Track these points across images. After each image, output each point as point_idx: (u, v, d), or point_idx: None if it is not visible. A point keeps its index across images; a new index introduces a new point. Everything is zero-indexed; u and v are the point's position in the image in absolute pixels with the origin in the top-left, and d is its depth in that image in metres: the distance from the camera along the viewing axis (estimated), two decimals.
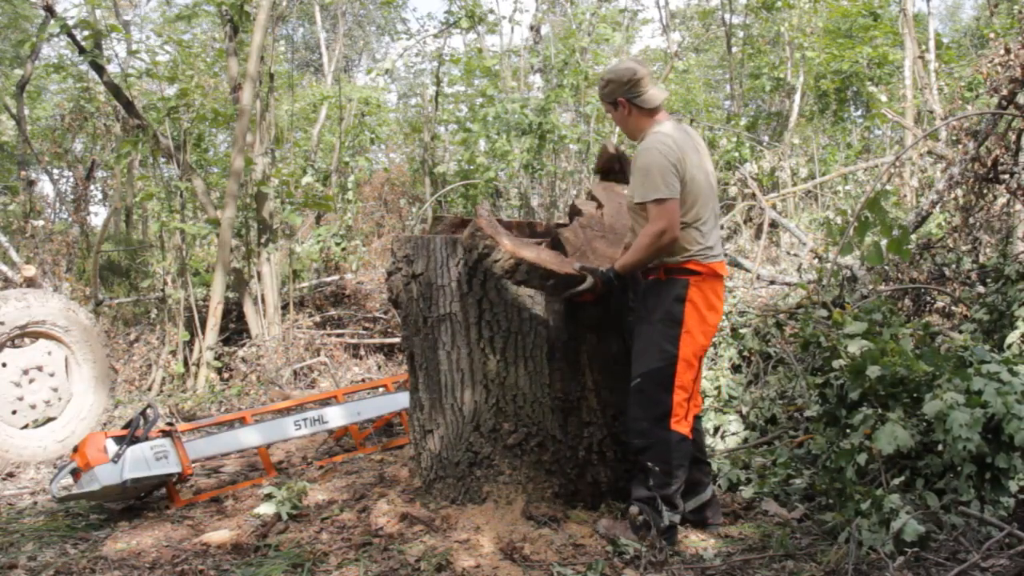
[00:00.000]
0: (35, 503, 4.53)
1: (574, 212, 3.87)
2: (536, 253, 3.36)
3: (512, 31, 20.40)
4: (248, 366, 7.45)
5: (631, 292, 3.58)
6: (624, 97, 3.45)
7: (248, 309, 8.00)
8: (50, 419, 5.65)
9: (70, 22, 7.27)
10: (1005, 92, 5.76)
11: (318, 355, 7.76)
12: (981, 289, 5.55)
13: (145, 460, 4.06)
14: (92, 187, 12.49)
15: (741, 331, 5.35)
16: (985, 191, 6.14)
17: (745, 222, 10.30)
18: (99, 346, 5.93)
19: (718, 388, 5.09)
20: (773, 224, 8.77)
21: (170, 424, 4.54)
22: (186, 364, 7.75)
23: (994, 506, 3.31)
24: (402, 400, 5.05)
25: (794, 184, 11.19)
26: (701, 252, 3.38)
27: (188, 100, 8.18)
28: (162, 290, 8.17)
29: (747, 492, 4.01)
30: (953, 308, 5.80)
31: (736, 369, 5.28)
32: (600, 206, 3.88)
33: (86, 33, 7.44)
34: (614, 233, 3.75)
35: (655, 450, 3.38)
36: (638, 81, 3.43)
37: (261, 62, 8.08)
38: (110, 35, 8.01)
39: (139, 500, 4.32)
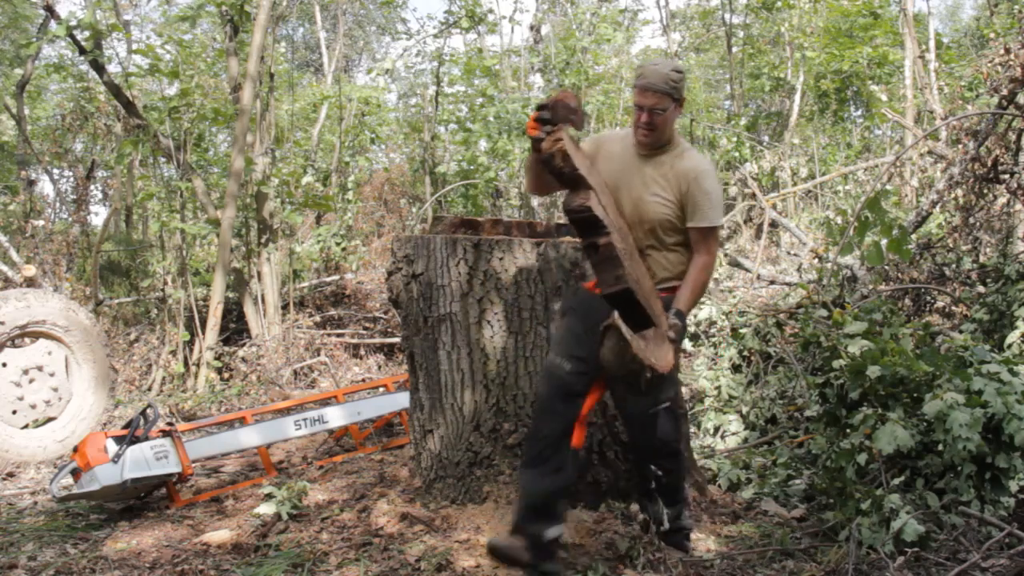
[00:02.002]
0: (35, 503, 4.53)
1: (598, 227, 3.09)
2: (659, 353, 2.90)
3: (512, 31, 20.37)
4: (248, 366, 7.45)
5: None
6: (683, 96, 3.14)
7: (248, 309, 8.00)
8: (50, 419, 5.65)
9: (72, 23, 7.26)
10: (1005, 92, 5.77)
11: (318, 355, 7.76)
12: (981, 289, 5.55)
13: (145, 460, 4.06)
14: (92, 187, 12.46)
15: (741, 331, 5.35)
16: (985, 191, 6.14)
17: (745, 222, 10.31)
18: (99, 346, 5.93)
19: (718, 388, 5.09)
20: (773, 224, 8.77)
21: (170, 424, 4.54)
22: (186, 364, 7.75)
23: (994, 506, 3.31)
24: (402, 400, 5.05)
25: (794, 184, 11.20)
26: None
27: (189, 100, 8.18)
28: (162, 290, 8.18)
29: (747, 492, 4.01)
30: (953, 308, 5.81)
31: (736, 369, 5.28)
32: (590, 188, 3.17)
33: (86, 33, 7.44)
34: (622, 231, 3.25)
35: (684, 467, 3.35)
36: None
37: (261, 62, 8.08)
38: (111, 35, 8.01)
39: (139, 500, 4.32)
